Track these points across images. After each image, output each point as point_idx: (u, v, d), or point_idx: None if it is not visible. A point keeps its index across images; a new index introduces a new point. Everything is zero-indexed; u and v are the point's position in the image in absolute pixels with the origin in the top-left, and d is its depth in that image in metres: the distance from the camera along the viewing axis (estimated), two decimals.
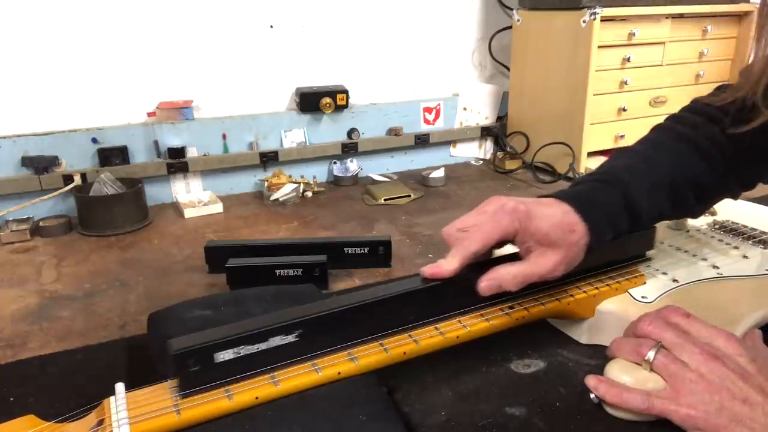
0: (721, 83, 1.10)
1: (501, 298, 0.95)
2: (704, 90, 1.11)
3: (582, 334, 1.00)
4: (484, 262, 0.93)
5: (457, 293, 0.92)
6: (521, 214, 0.88)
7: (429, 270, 0.91)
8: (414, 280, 0.92)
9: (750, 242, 1.20)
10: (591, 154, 2.16)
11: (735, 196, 1.10)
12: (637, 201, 0.94)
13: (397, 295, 0.88)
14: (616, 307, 0.97)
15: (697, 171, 1.00)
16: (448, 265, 0.89)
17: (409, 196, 1.99)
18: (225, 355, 0.77)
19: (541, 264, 0.88)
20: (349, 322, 0.86)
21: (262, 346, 0.80)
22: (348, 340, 0.86)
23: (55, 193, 1.79)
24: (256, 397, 0.77)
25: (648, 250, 1.13)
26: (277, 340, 0.80)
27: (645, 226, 1.03)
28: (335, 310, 0.84)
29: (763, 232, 1.25)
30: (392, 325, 0.89)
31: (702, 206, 1.06)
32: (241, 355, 0.78)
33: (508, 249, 0.95)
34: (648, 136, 1.09)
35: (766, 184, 1.09)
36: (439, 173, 2.17)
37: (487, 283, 0.89)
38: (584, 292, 0.98)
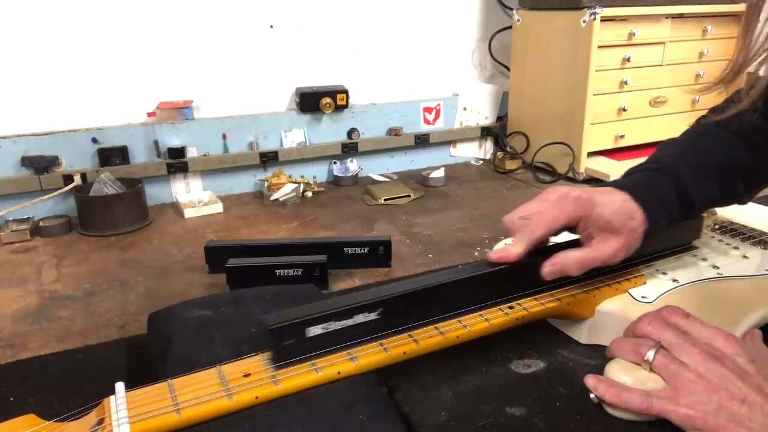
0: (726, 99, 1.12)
1: (560, 282, 0.98)
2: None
3: (582, 334, 1.00)
4: (545, 248, 0.96)
5: (520, 277, 0.97)
6: (585, 201, 0.92)
7: (496, 255, 0.94)
8: (480, 264, 0.96)
9: (750, 242, 1.20)
10: (591, 154, 2.16)
11: None
12: (688, 188, 0.98)
13: (469, 277, 0.92)
14: (616, 307, 0.97)
15: (743, 157, 1.03)
16: (514, 250, 0.93)
17: (409, 196, 1.99)
18: (315, 330, 0.82)
19: (604, 249, 0.92)
20: (426, 302, 0.90)
21: (348, 322, 0.84)
22: (424, 318, 0.90)
23: (55, 193, 1.79)
24: (257, 397, 0.77)
25: (695, 238, 1.17)
26: (360, 318, 0.85)
27: (696, 213, 1.08)
28: (415, 290, 0.88)
29: (763, 232, 1.25)
30: (459, 307, 0.93)
31: (751, 191, 1.09)
32: (329, 330, 0.83)
33: (562, 238, 1.00)
34: (692, 128, 1.12)
35: None
36: (439, 173, 2.17)
37: (550, 268, 0.92)
38: (584, 292, 0.98)
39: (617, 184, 0.97)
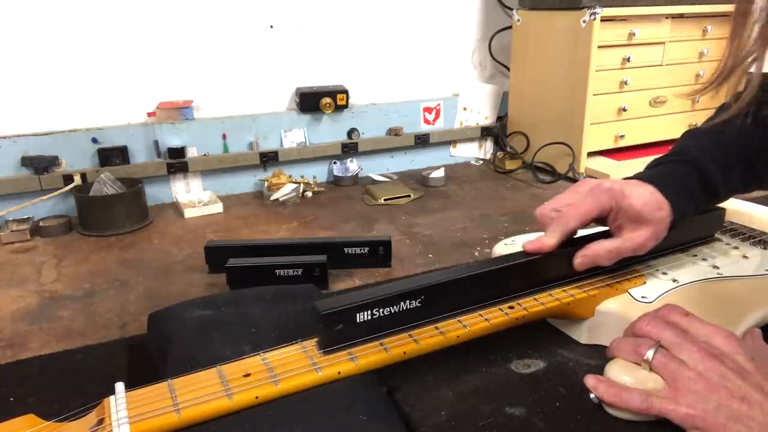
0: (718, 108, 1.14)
1: (593, 272, 1.01)
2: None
3: (582, 334, 1.00)
4: (576, 239, 1.00)
5: (554, 267, 0.99)
6: (617, 192, 0.94)
7: (531, 245, 0.97)
8: (517, 254, 0.98)
9: (750, 242, 1.20)
10: (591, 154, 2.16)
11: None
12: (712, 177, 1.00)
13: (510, 265, 0.95)
14: (616, 307, 0.97)
15: (764, 144, 1.04)
16: (549, 240, 0.96)
17: (409, 196, 1.99)
18: (363, 316, 0.85)
19: (634, 239, 0.94)
20: (469, 289, 0.93)
21: (394, 308, 0.86)
22: (466, 305, 0.93)
23: (55, 193, 1.80)
24: (257, 397, 0.77)
25: (717, 230, 1.20)
26: (404, 305, 0.87)
27: (721, 201, 1.10)
28: (457, 277, 0.91)
29: (763, 232, 1.25)
30: (501, 293, 0.96)
31: None
32: (377, 316, 0.85)
33: (586, 231, 1.02)
34: (708, 121, 1.12)
35: None
36: (439, 173, 2.17)
37: (582, 259, 0.96)
38: (584, 292, 0.98)
39: (643, 177, 0.99)
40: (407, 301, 0.87)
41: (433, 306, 0.89)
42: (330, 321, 0.82)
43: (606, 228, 1.00)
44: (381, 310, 0.85)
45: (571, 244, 0.98)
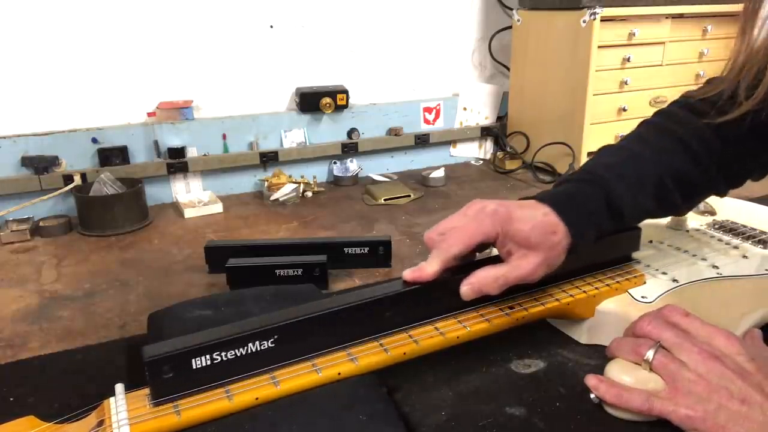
0: (711, 77, 1.11)
1: (483, 302, 0.94)
2: None
3: (582, 334, 1.00)
4: (468, 264, 0.92)
5: (440, 297, 0.92)
6: (502, 216, 0.89)
7: (410, 274, 0.90)
8: (395, 283, 0.91)
9: (750, 242, 1.20)
10: (591, 154, 2.16)
11: (722, 194, 1.09)
12: (619, 200, 0.94)
13: (378, 299, 0.88)
14: (616, 307, 0.97)
15: (682, 168, 1.00)
16: (429, 268, 0.89)
17: (409, 196, 1.99)
18: (201, 361, 0.76)
19: (522, 266, 0.88)
20: (334, 326, 0.85)
21: (241, 351, 0.79)
22: (333, 344, 0.86)
23: (55, 193, 1.79)
24: (257, 398, 0.77)
25: (633, 251, 1.12)
26: (254, 346, 0.79)
27: (630, 225, 1.04)
28: (310, 316, 0.83)
29: (763, 232, 1.25)
30: (373, 331, 0.88)
31: (688, 204, 1.06)
32: (218, 361, 0.77)
33: (489, 254, 0.97)
34: (633, 132, 1.10)
35: (754, 182, 1.09)
36: (439, 173, 2.17)
37: (468, 287, 0.89)
38: (584, 292, 0.98)
39: (541, 197, 0.94)
40: (257, 342, 0.79)
41: (289, 346, 0.82)
42: (157, 368, 0.74)
43: (497, 253, 0.93)
44: (225, 354, 0.77)
45: (462, 270, 0.90)
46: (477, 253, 0.96)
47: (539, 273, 0.89)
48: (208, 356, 0.76)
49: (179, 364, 0.75)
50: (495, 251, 0.94)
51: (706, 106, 1.02)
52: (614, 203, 0.94)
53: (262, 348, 0.80)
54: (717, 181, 1.05)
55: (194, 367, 0.76)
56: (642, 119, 1.11)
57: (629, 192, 0.95)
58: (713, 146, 1.01)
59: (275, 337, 0.80)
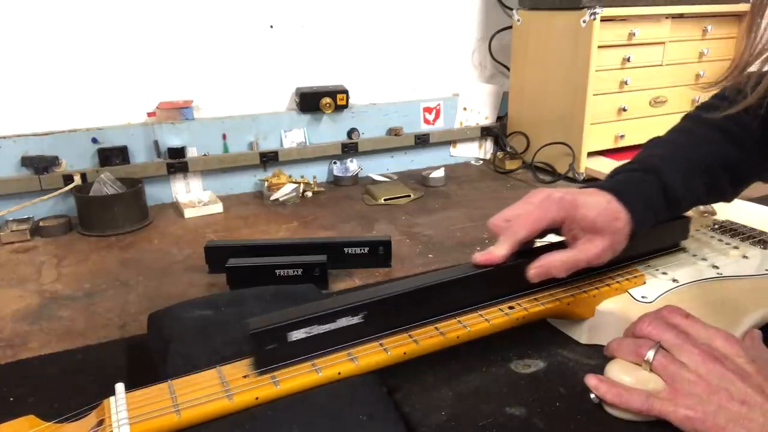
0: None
1: (548, 284, 0.98)
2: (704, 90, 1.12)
3: (582, 334, 1.00)
4: (532, 250, 0.97)
5: (506, 279, 0.96)
6: (568, 202, 0.92)
7: (481, 257, 0.94)
8: (465, 266, 0.95)
9: (750, 242, 1.20)
10: (591, 154, 2.16)
11: (766, 179, 1.12)
12: (673, 188, 0.98)
13: (454, 279, 0.92)
14: (616, 307, 0.97)
15: (729, 155, 1.03)
16: (498, 251, 0.93)
17: (409, 196, 1.99)
18: (298, 335, 0.81)
19: (589, 250, 0.92)
20: (410, 305, 0.90)
21: (332, 326, 0.84)
22: (408, 323, 0.90)
23: (55, 193, 1.80)
24: (256, 398, 0.77)
25: (683, 239, 1.16)
26: (344, 321, 0.84)
27: (683, 211, 1.08)
28: (402, 292, 0.88)
29: (763, 232, 1.25)
30: (447, 309, 0.93)
31: (735, 189, 1.09)
32: (312, 334, 0.82)
33: (549, 240, 1.00)
34: (678, 125, 1.13)
35: None
36: (439, 173, 2.17)
37: (536, 270, 0.92)
38: (584, 292, 0.98)
39: (602, 185, 0.97)
40: (347, 318, 0.85)
41: (376, 322, 0.88)
42: (260, 340, 0.80)
43: (563, 238, 0.98)
44: (319, 328, 0.83)
45: (526, 255, 0.95)
46: (537, 240, 0.99)
47: (605, 257, 0.93)
48: (304, 330, 0.82)
49: (279, 336, 0.81)
50: (551, 238, 0.99)
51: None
52: (669, 192, 0.98)
53: (351, 323, 0.85)
54: (762, 166, 1.08)
55: (290, 340, 0.81)
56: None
57: (683, 180, 0.99)
58: (755, 132, 1.04)
59: (364, 313, 0.86)
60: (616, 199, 0.93)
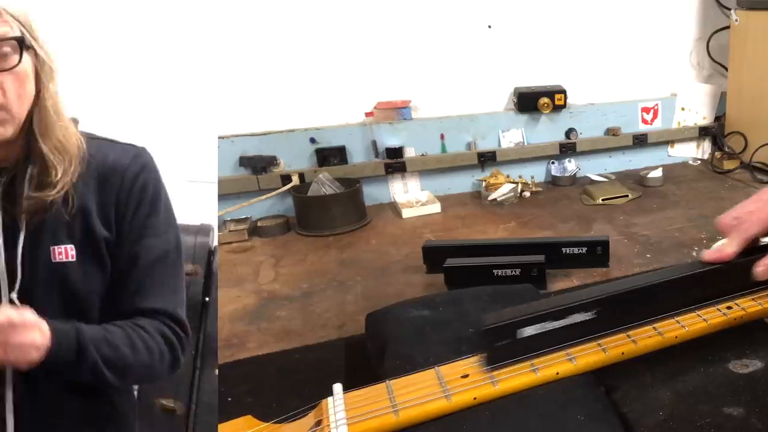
0: None
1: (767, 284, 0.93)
2: None
3: None
4: (758, 248, 0.93)
5: (733, 277, 0.92)
6: None
7: (710, 254, 0.91)
8: (685, 265, 0.95)
9: None
10: None
11: None
12: None
13: (685, 276, 0.91)
14: None
15: None
16: (729, 249, 0.90)
17: (627, 196, 1.98)
18: (529, 331, 0.81)
19: None
20: (638, 303, 0.88)
21: (564, 322, 0.82)
22: (634, 321, 0.88)
23: (274, 193, 1.85)
24: (474, 398, 0.76)
25: None
26: (577, 317, 0.83)
27: None
28: (632, 288, 0.87)
29: None
30: (670, 308, 0.90)
31: None
32: (544, 330, 0.82)
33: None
34: None
35: None
36: (657, 173, 2.15)
37: (764, 268, 0.88)
38: None
39: None
40: (580, 314, 0.83)
41: (607, 319, 0.85)
42: (496, 335, 0.80)
43: None
44: (551, 324, 0.82)
45: (751, 253, 0.90)
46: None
47: None
48: (538, 325, 0.81)
49: (511, 332, 0.80)
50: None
51: None
52: None
53: (583, 320, 0.84)
54: None
55: (519, 336, 0.81)
56: None
57: None
58: None
59: (596, 309, 0.84)
60: None
